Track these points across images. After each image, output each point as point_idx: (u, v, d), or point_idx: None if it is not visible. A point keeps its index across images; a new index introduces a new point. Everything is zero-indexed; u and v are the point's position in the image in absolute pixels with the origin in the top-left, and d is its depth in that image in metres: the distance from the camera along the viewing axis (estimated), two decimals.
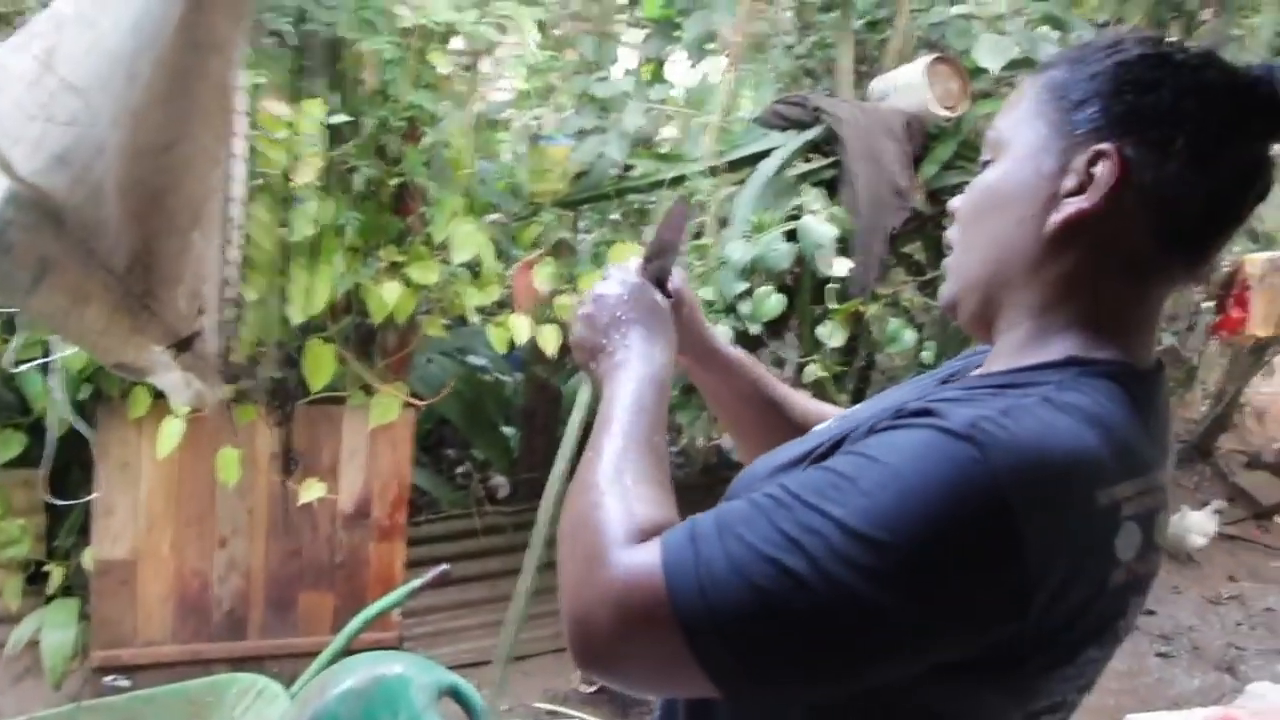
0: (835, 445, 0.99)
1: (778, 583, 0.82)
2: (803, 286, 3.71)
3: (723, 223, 3.61)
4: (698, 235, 3.69)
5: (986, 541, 0.81)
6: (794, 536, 0.83)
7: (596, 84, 3.79)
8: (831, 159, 3.64)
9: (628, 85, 3.77)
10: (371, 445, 3.66)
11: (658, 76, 4.20)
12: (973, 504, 0.81)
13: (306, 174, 2.89)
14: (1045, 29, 3.57)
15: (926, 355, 3.99)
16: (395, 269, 3.37)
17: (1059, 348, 0.98)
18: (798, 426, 1.32)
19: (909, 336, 3.79)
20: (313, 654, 3.45)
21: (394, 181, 3.26)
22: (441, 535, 4.19)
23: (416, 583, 2.55)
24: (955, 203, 1.09)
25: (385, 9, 2.94)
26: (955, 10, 3.63)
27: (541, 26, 3.79)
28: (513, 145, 3.93)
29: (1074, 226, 0.96)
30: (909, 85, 3.64)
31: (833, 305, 3.52)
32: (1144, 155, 0.94)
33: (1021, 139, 1.01)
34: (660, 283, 1.22)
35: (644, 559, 0.87)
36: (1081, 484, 0.86)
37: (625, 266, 1.23)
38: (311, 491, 3.42)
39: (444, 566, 2.59)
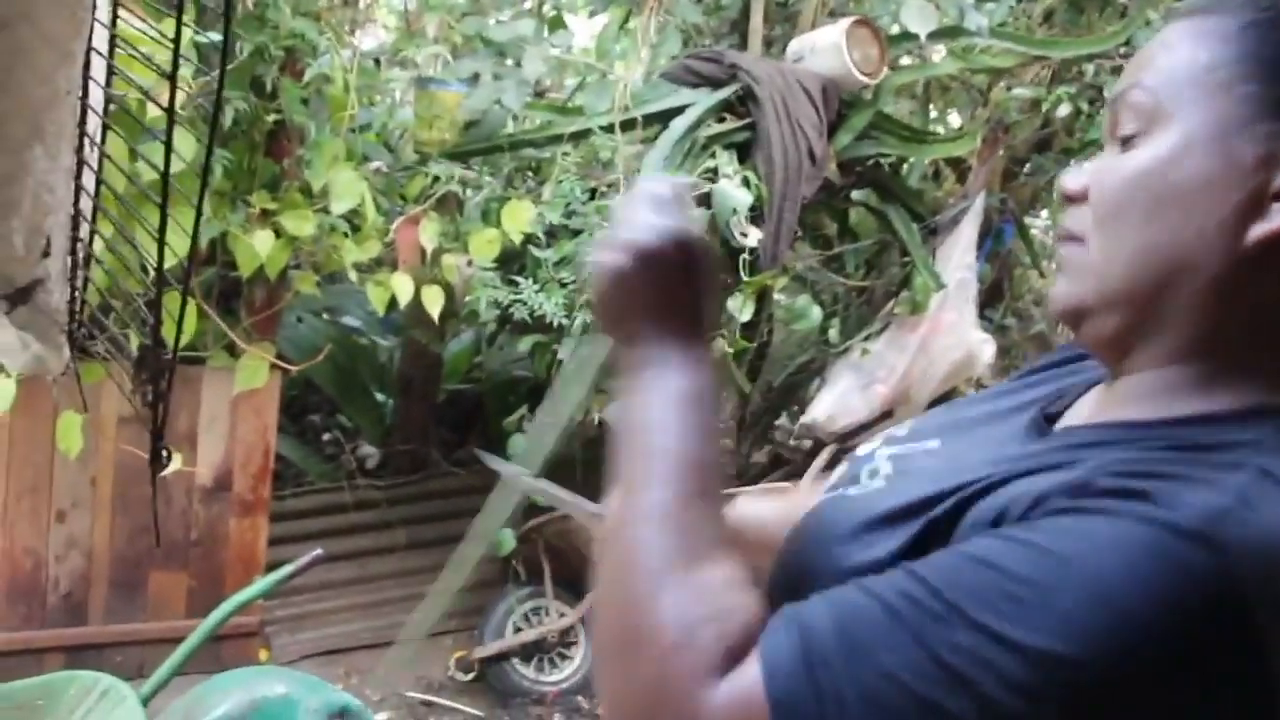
0: (962, 503, 0.74)
1: None
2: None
3: (630, 184, 3.37)
4: (600, 194, 3.44)
5: (1229, 670, 0.62)
6: (959, 670, 0.62)
7: (494, 27, 3.50)
8: (746, 121, 3.43)
9: (527, 30, 3.48)
10: (234, 411, 3.32)
11: (557, 24, 3.92)
12: (1214, 629, 0.61)
13: (166, 100, 2.52)
14: None
15: (832, 334, 3.82)
16: (266, 217, 3.04)
17: (1238, 394, 0.75)
18: None
19: (816, 314, 3.62)
20: (162, 641, 3.12)
21: (269, 119, 2.92)
22: (309, 510, 3.87)
23: (287, 569, 2.27)
24: (1076, 183, 0.82)
25: None
26: None
27: None
28: (399, 88, 3.60)
29: None
30: (828, 47, 3.45)
31: (745, 276, 3.32)
32: None
33: (1196, 113, 0.75)
34: None
35: (739, 694, 0.65)
36: None
37: (677, 197, 0.88)
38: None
39: (317, 551, 2.33)
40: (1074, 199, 0.83)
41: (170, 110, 1.70)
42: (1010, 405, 0.95)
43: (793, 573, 0.84)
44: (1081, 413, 0.87)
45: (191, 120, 2.72)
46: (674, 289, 0.85)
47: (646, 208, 0.86)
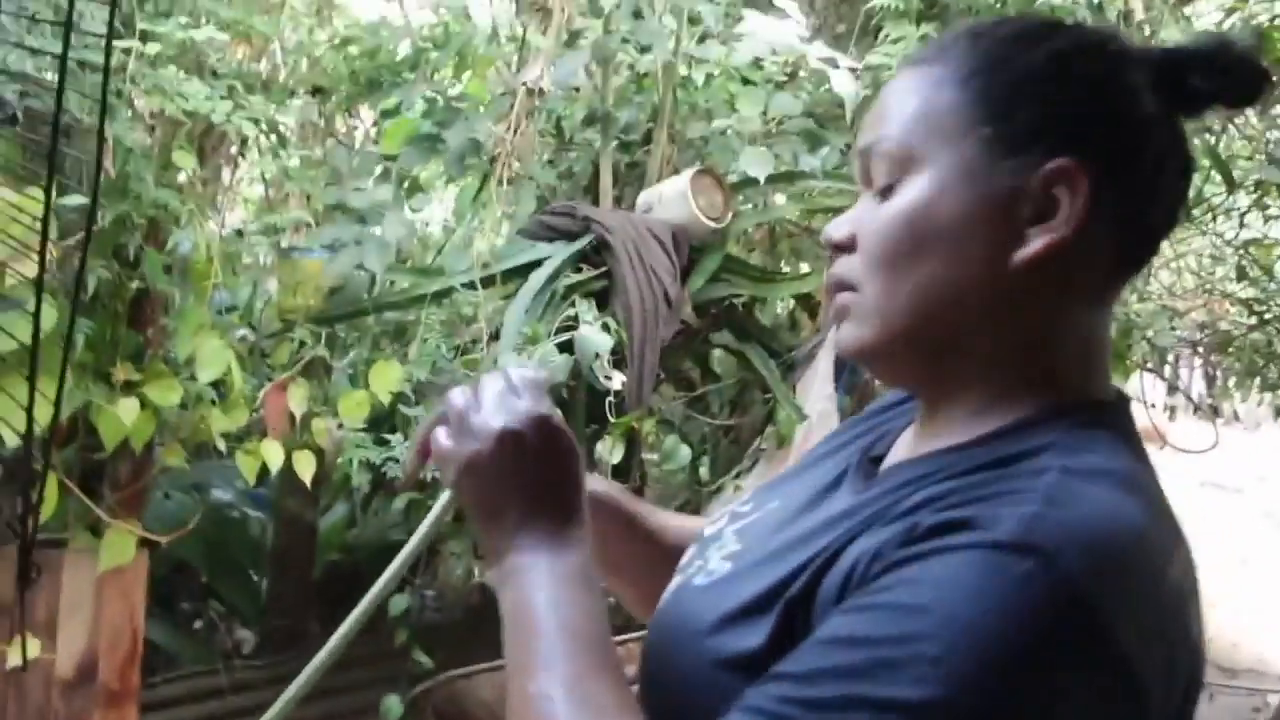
0: (813, 579, 0.79)
1: None
2: (576, 401, 3.58)
3: (494, 336, 3.45)
4: (465, 350, 3.51)
5: (1088, 659, 0.67)
6: None
7: (353, 194, 3.60)
8: (601, 269, 3.56)
9: (386, 195, 3.59)
10: (99, 594, 3.20)
11: (415, 189, 4.05)
12: (1063, 626, 0.67)
13: (27, 269, 2.53)
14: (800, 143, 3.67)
15: (704, 473, 3.92)
16: (130, 388, 3.01)
17: (1029, 401, 0.84)
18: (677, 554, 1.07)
19: (685, 454, 3.72)
20: None
21: (133, 286, 2.93)
22: (183, 696, 3.69)
23: None
24: (841, 232, 0.89)
25: (127, 94, 2.66)
26: (716, 124, 3.67)
27: (282, 140, 3.57)
28: (261, 256, 3.65)
29: (1044, 261, 0.81)
30: (674, 196, 3.64)
31: (611, 418, 3.40)
32: (1107, 168, 0.81)
33: (943, 156, 0.83)
34: None
35: None
36: (1151, 562, 0.73)
37: (535, 383, 0.91)
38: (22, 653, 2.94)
39: None
40: (842, 248, 0.90)
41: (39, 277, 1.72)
42: (843, 454, 1.01)
43: (661, 669, 0.87)
44: (902, 450, 0.94)
45: (53, 290, 2.71)
46: (540, 472, 0.88)
47: (502, 394, 0.90)
